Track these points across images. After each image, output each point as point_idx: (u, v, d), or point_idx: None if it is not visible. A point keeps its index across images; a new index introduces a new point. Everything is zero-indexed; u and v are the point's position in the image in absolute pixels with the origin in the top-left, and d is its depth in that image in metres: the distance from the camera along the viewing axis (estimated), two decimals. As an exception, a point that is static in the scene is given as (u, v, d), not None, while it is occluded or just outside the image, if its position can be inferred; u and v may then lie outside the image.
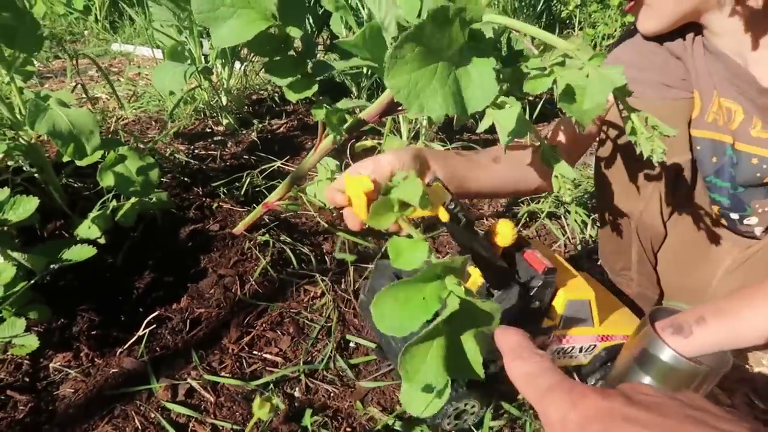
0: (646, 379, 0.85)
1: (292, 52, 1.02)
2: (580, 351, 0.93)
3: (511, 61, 0.89)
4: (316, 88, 1.04)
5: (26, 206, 0.93)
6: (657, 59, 0.98)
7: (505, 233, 0.83)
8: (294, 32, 0.97)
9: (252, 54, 2.14)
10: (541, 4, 3.49)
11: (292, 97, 1.06)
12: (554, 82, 0.73)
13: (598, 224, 1.31)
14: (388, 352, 0.91)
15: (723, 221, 1.10)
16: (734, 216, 1.06)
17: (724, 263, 1.08)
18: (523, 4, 3.31)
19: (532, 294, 0.82)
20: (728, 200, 1.03)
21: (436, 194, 0.75)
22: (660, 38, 0.98)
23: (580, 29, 3.65)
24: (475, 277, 0.88)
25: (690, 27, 0.94)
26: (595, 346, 0.93)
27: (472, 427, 0.87)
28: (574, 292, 0.87)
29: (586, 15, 3.74)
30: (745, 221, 1.05)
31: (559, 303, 0.86)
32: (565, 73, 0.72)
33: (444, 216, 0.72)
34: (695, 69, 0.97)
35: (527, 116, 1.89)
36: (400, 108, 0.97)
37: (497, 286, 0.84)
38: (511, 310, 0.82)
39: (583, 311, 0.89)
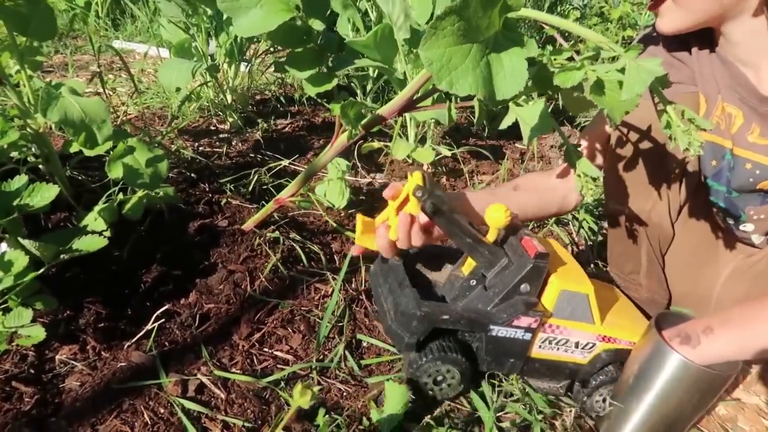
0: (657, 385, 0.85)
1: (312, 45, 1.01)
2: (576, 346, 0.91)
3: (529, 63, 0.88)
4: (336, 82, 1.03)
5: (45, 194, 0.91)
6: (665, 59, 1.00)
7: (497, 216, 0.85)
8: (317, 24, 0.96)
9: (259, 54, 2.13)
10: (542, 16, 3.52)
11: (311, 90, 1.05)
12: (585, 76, 0.73)
13: (606, 227, 1.30)
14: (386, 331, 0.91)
15: (721, 225, 1.10)
16: (730, 221, 1.07)
17: (727, 269, 1.09)
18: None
19: (521, 276, 0.84)
20: (724, 204, 1.04)
21: (410, 184, 0.82)
22: (666, 44, 1.00)
23: (580, 42, 3.67)
24: (471, 261, 0.91)
25: (695, 35, 0.95)
26: (593, 345, 0.92)
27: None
28: (570, 283, 0.88)
29: (587, 27, 3.77)
30: (741, 227, 1.06)
31: (552, 291, 0.87)
32: (598, 67, 0.72)
33: (412, 205, 0.82)
34: (701, 74, 0.99)
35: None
36: (418, 106, 0.97)
37: (488, 268, 0.87)
38: (502, 291, 0.85)
39: (580, 305, 0.89)
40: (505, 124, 0.83)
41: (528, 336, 0.88)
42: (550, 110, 2.14)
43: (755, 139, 0.95)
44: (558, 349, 0.91)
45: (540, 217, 1.39)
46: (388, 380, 0.85)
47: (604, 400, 0.93)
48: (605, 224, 1.54)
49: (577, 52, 0.77)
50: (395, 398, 0.80)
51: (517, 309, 0.85)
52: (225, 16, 1.61)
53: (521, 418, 0.90)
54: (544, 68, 0.78)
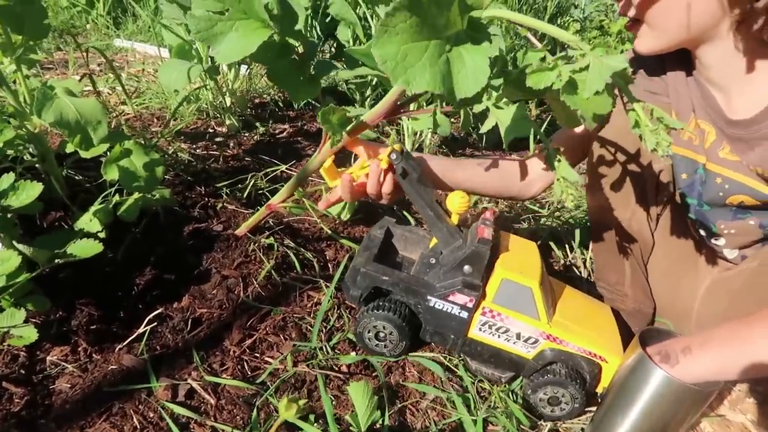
0: (641, 399, 0.86)
1: (294, 56, 1.01)
2: (518, 338, 0.95)
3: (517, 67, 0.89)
4: (319, 90, 1.03)
5: (29, 192, 0.91)
6: (644, 74, 1.06)
7: (457, 202, 0.93)
8: (292, 41, 0.97)
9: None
10: (542, 28, 3.54)
11: (296, 100, 1.05)
12: (558, 76, 0.73)
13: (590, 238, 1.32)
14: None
15: (697, 237, 1.13)
16: (703, 233, 1.10)
17: (706, 281, 1.12)
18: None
19: (464, 257, 0.91)
20: (695, 216, 1.08)
21: (383, 148, 0.91)
22: (643, 61, 1.04)
23: (581, 55, 3.69)
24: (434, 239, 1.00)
25: (673, 55, 0.98)
26: (537, 340, 0.94)
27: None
28: (513, 274, 0.93)
29: (586, 41, 3.79)
30: (713, 240, 1.09)
31: (495, 278, 0.93)
32: (569, 66, 0.72)
33: (384, 162, 0.90)
34: (675, 91, 1.03)
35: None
36: (402, 111, 0.97)
37: (444, 246, 0.95)
38: (448, 268, 0.93)
39: (523, 298, 0.93)
40: (485, 127, 0.84)
41: (465, 314, 0.94)
42: (547, 123, 2.16)
43: (726, 155, 0.98)
44: (499, 336, 0.95)
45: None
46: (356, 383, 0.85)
47: (548, 402, 0.95)
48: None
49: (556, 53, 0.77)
50: (359, 395, 0.81)
51: (453, 285, 0.92)
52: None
53: (504, 429, 0.91)
54: (523, 71, 0.79)
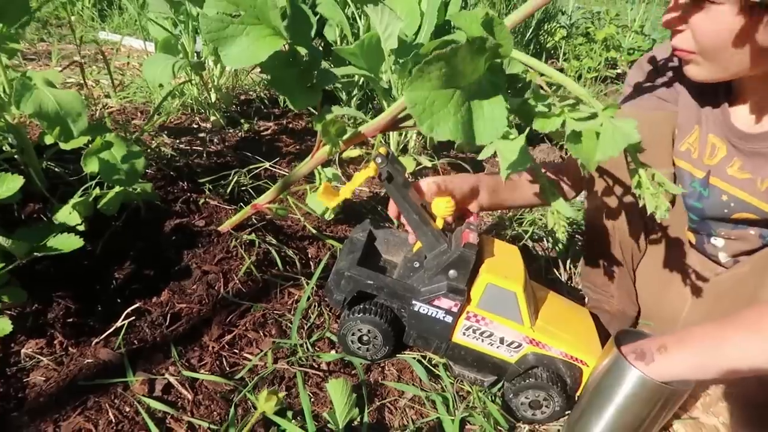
0: (615, 398, 0.88)
1: (299, 67, 1.00)
2: (502, 342, 0.95)
3: (511, 82, 0.90)
4: (320, 98, 1.03)
5: (10, 184, 0.90)
6: (658, 82, 1.06)
7: (441, 206, 0.96)
8: (302, 50, 0.97)
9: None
10: (529, 33, 3.57)
11: (296, 107, 1.04)
12: (563, 123, 0.75)
13: (581, 240, 1.33)
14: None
15: (692, 239, 1.14)
16: (702, 234, 1.12)
17: (695, 287, 1.13)
18: (512, 31, 3.38)
19: (450, 262, 0.91)
20: (696, 218, 1.10)
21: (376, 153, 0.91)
22: (660, 66, 1.05)
23: (565, 60, 3.73)
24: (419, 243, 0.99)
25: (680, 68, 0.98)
26: (520, 345, 0.95)
27: None
28: (498, 278, 0.93)
29: (572, 47, 3.84)
30: (712, 240, 1.10)
31: (480, 283, 0.94)
32: (576, 115, 0.74)
33: (372, 170, 0.90)
34: (684, 101, 1.04)
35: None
36: (399, 126, 0.98)
37: (429, 250, 0.95)
38: (434, 273, 0.93)
39: (507, 302, 0.94)
40: (484, 155, 0.84)
41: (449, 319, 0.94)
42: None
43: (734, 173, 0.99)
44: (483, 340, 0.96)
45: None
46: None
47: (530, 405, 0.96)
48: (579, 241, 1.57)
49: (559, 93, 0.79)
50: (338, 392, 0.82)
51: (439, 290, 0.93)
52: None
53: (481, 429, 0.92)
54: (526, 102, 0.80)
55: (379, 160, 0.91)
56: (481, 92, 0.68)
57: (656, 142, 1.05)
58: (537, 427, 0.98)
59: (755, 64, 0.85)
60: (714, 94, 1.00)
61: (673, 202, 1.12)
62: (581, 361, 0.95)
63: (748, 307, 0.85)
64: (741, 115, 0.97)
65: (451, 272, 0.92)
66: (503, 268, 0.96)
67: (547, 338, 0.95)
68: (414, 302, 0.94)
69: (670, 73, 1.06)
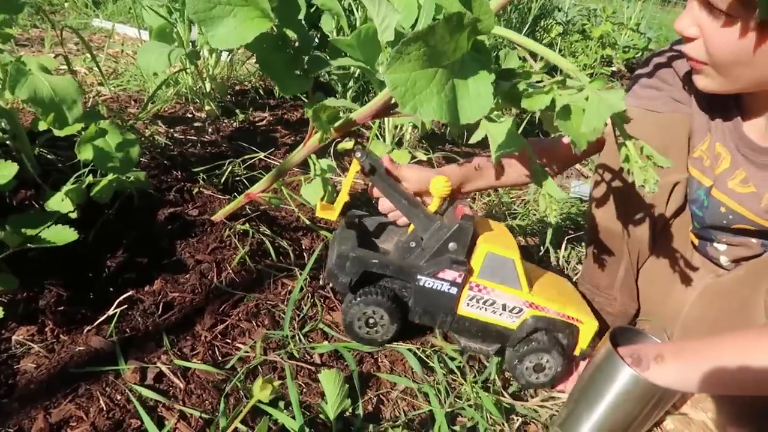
0: (608, 396, 0.88)
1: (289, 49, 1.00)
2: (504, 309, 0.99)
3: (506, 76, 0.90)
4: (310, 84, 1.02)
5: (4, 171, 0.89)
6: (670, 80, 1.04)
7: (438, 186, 0.98)
8: (291, 33, 0.96)
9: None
10: (525, 29, 3.57)
11: (285, 93, 1.04)
12: (552, 100, 0.74)
13: (584, 242, 1.33)
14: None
15: (695, 241, 1.14)
16: (704, 238, 1.11)
17: (696, 290, 1.13)
18: (508, 25, 3.37)
19: (449, 234, 0.94)
20: (699, 225, 1.10)
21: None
22: (675, 67, 1.03)
23: (561, 56, 3.73)
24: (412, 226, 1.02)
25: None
26: (521, 310, 0.99)
27: None
28: (496, 247, 0.97)
29: (568, 44, 3.84)
30: (714, 245, 1.10)
31: (480, 253, 0.96)
32: (565, 93, 0.73)
33: (356, 165, 0.92)
34: (697, 106, 1.02)
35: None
36: (391, 112, 0.97)
37: (424, 230, 0.98)
38: (433, 248, 0.95)
39: (506, 270, 0.97)
40: (474, 138, 0.84)
41: (454, 290, 0.97)
42: (525, 122, 2.18)
43: (735, 186, 0.98)
44: (486, 309, 0.99)
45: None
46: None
47: (534, 369, 1.00)
48: (570, 238, 1.58)
49: (550, 74, 0.79)
50: (330, 383, 0.82)
51: (442, 263, 0.95)
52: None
53: (473, 420, 0.92)
54: (516, 85, 0.80)
55: (359, 154, 0.93)
56: (465, 70, 0.67)
57: (671, 146, 1.03)
58: (530, 418, 0.99)
59: (767, 80, 0.85)
60: (724, 105, 0.98)
61: (683, 206, 1.11)
62: (576, 319, 1.00)
63: (749, 323, 0.85)
64: (754, 127, 0.96)
65: (451, 245, 0.94)
66: (498, 239, 1.00)
67: (544, 301, 0.98)
68: (419, 277, 0.96)
69: (684, 74, 1.03)
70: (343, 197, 0.98)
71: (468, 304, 0.98)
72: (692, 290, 1.12)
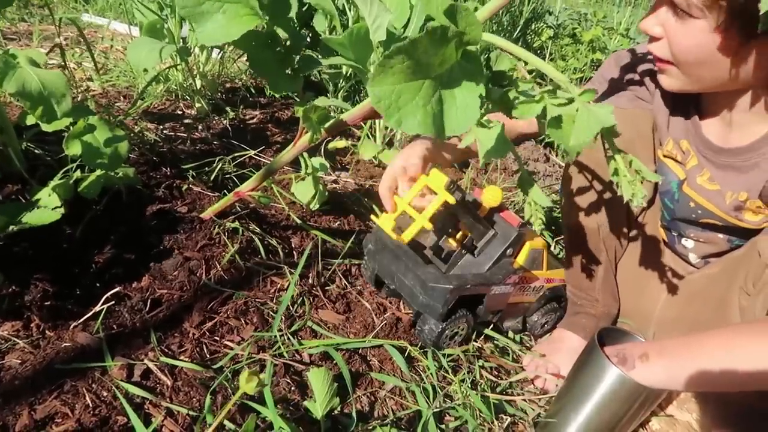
0: (594, 396, 0.89)
1: (279, 48, 1.00)
2: (532, 290, 1.16)
3: (497, 79, 0.90)
4: (301, 83, 1.02)
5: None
6: (634, 79, 1.07)
7: (492, 197, 1.02)
8: (281, 32, 0.96)
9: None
10: (517, 32, 3.59)
11: (276, 92, 1.04)
12: (544, 108, 0.75)
13: (564, 244, 1.34)
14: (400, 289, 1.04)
15: (664, 237, 1.16)
16: (673, 234, 1.14)
17: (667, 286, 1.15)
18: (500, 28, 3.39)
19: (510, 243, 1.04)
20: (669, 218, 1.13)
21: (438, 179, 0.94)
22: (637, 65, 1.06)
23: (551, 60, 3.75)
24: (456, 233, 1.11)
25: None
26: (542, 286, 1.17)
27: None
28: (534, 242, 1.10)
29: (558, 47, 3.86)
30: (683, 241, 1.12)
31: (525, 250, 1.08)
32: (555, 101, 0.74)
33: (450, 199, 0.91)
34: (659, 104, 1.05)
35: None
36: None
37: (479, 239, 1.06)
38: (494, 256, 1.04)
39: (538, 258, 1.12)
40: (464, 143, 0.84)
41: (512, 289, 1.09)
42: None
43: (703, 183, 1.00)
44: (523, 294, 1.14)
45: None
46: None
47: (543, 324, 1.24)
48: (559, 240, 1.59)
49: (542, 78, 0.79)
50: (319, 382, 0.82)
51: (508, 270, 1.05)
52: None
53: (462, 419, 0.92)
54: (507, 93, 0.80)
55: (452, 188, 0.95)
56: (453, 81, 0.66)
57: (637, 138, 1.06)
58: (518, 420, 0.99)
59: (728, 81, 0.87)
60: (684, 104, 1.01)
61: (652, 200, 1.14)
62: (561, 279, 1.22)
63: (725, 323, 0.86)
64: (713, 128, 0.98)
65: (509, 250, 1.04)
66: (531, 232, 1.10)
67: (553, 273, 1.18)
68: (492, 287, 1.04)
69: (647, 72, 1.06)
70: (420, 224, 0.92)
71: (514, 294, 1.11)
72: (664, 288, 1.14)
